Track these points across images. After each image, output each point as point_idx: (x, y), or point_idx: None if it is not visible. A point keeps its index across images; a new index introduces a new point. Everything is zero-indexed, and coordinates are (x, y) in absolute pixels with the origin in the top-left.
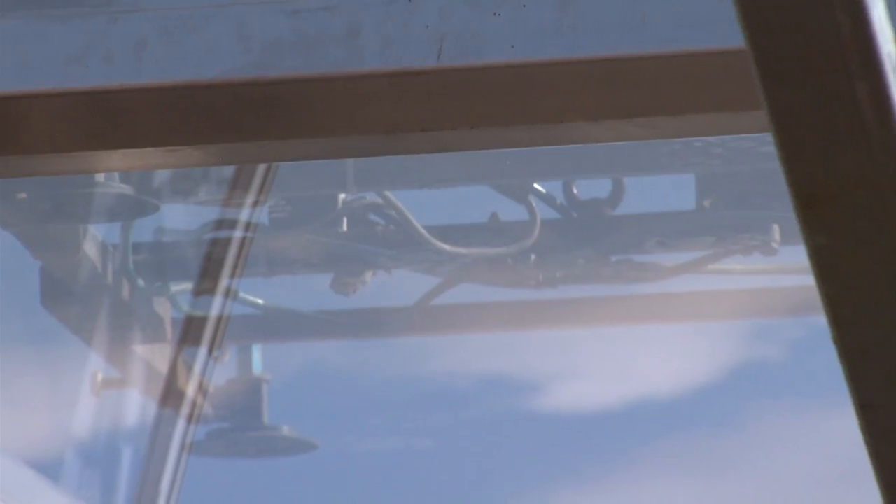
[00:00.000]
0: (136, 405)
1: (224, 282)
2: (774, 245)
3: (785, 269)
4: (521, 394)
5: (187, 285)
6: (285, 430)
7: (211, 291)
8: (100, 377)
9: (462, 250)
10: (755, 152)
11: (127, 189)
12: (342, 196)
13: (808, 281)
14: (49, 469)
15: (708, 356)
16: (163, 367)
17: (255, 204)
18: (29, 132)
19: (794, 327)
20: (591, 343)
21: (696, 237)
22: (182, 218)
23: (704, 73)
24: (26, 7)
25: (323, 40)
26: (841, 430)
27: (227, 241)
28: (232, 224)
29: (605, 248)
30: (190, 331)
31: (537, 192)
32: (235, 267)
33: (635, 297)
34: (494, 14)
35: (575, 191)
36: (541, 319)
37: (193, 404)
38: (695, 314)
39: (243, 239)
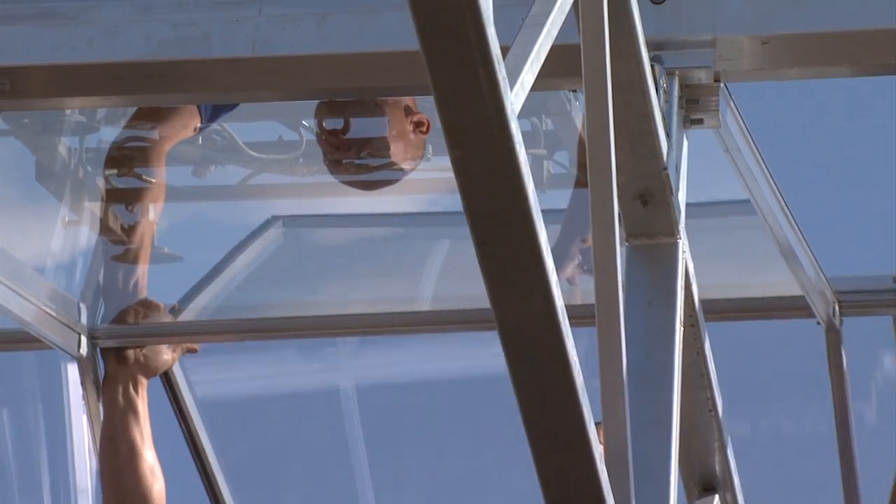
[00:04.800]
0: (86, 235)
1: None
2: (430, 156)
3: (439, 168)
4: (298, 220)
5: (115, 171)
6: (165, 249)
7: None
8: (66, 219)
9: (263, 156)
10: (423, 106)
11: (82, 118)
12: (198, 125)
13: (451, 174)
14: (36, 265)
15: (410, 206)
16: (100, 214)
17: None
18: (29, 86)
19: (448, 198)
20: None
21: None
22: (111, 133)
23: (400, 63)
24: (32, 19)
25: (190, 41)
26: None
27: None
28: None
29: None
30: (116, 195)
31: (304, 126)
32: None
33: (363, 183)
34: (283, 28)
35: (325, 125)
36: (307, 194)
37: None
38: (400, 192)
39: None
